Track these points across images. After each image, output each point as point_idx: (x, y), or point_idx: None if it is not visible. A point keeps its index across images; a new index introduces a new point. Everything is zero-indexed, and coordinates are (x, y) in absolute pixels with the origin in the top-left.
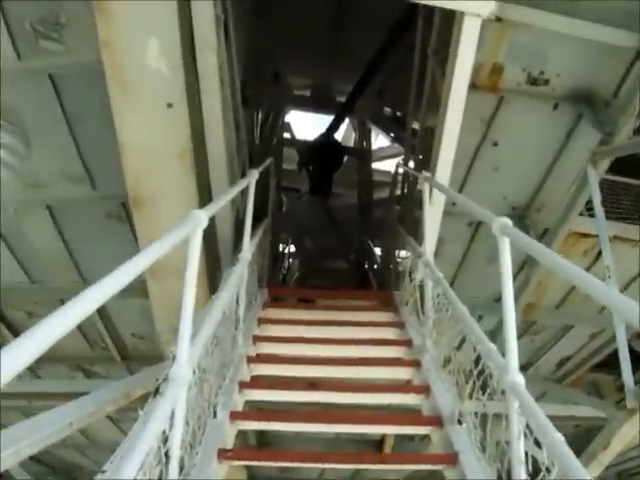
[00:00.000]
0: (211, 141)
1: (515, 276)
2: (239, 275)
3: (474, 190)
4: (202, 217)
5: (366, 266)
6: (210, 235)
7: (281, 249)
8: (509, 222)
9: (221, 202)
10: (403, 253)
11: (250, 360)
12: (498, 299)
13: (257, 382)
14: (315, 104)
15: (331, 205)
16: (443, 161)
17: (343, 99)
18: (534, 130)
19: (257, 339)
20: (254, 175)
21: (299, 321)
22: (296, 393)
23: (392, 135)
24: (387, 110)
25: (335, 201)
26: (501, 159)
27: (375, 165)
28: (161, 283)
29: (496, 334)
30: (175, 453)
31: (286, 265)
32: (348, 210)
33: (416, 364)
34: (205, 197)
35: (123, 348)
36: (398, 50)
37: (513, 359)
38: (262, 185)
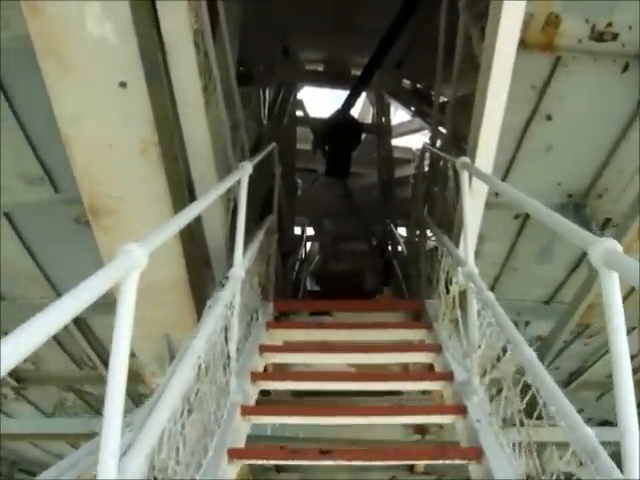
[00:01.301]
0: (189, 128)
1: (571, 272)
2: (226, 301)
3: (521, 175)
4: (138, 256)
5: (389, 249)
6: (199, 239)
7: (298, 234)
8: (617, 247)
9: (168, 229)
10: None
11: (246, 412)
12: (547, 301)
13: (254, 449)
14: (329, 79)
15: (350, 186)
16: (485, 142)
17: (359, 72)
18: (598, 98)
19: (257, 377)
20: (246, 169)
21: (311, 347)
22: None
23: (413, 109)
24: (406, 83)
25: (354, 181)
26: (556, 136)
27: (395, 141)
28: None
29: (550, 343)
30: None
31: (302, 254)
32: (368, 190)
33: (460, 410)
34: (183, 198)
35: None
36: (417, 17)
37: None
38: (265, 176)
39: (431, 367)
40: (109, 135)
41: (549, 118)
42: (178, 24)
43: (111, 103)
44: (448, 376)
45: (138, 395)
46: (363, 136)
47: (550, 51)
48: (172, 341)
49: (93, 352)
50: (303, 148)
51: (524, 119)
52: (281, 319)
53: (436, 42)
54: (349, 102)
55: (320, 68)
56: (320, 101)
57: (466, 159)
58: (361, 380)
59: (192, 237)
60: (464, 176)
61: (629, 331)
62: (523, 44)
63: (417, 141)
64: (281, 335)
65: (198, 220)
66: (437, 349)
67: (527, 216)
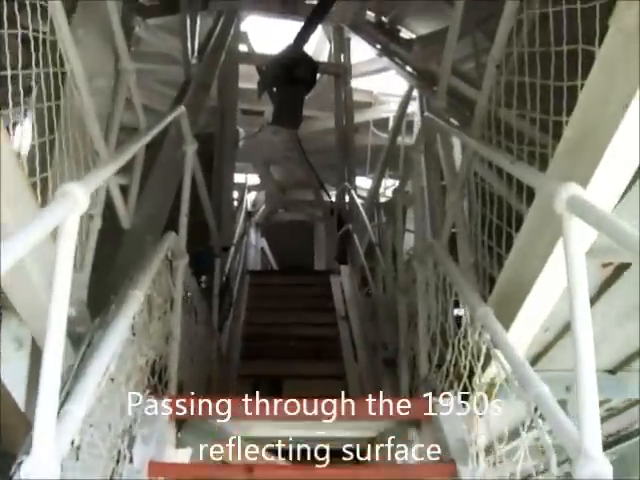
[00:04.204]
0: None
1: None
2: None
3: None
4: None
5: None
6: None
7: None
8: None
9: None
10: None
11: None
12: (613, 370)
13: None
14: (279, 7)
15: (302, 132)
16: (619, 148)
17: (315, 1)
18: None
19: None
20: (76, 202)
21: None
22: None
23: (378, 47)
24: (370, 15)
25: (307, 126)
26: None
27: (355, 83)
28: None
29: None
30: None
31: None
32: (323, 136)
33: None
34: None
35: None
36: None
37: None
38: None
39: None
40: None
41: None
42: None
43: None
44: None
45: None
46: (318, 76)
47: None
48: None
49: None
50: (247, 87)
51: None
52: (188, 427)
53: None
54: (303, 36)
55: None
56: (268, 34)
57: (579, 189)
58: None
59: None
60: (569, 222)
61: None
62: None
63: (378, 83)
64: None
65: None
66: None
67: (625, 265)
